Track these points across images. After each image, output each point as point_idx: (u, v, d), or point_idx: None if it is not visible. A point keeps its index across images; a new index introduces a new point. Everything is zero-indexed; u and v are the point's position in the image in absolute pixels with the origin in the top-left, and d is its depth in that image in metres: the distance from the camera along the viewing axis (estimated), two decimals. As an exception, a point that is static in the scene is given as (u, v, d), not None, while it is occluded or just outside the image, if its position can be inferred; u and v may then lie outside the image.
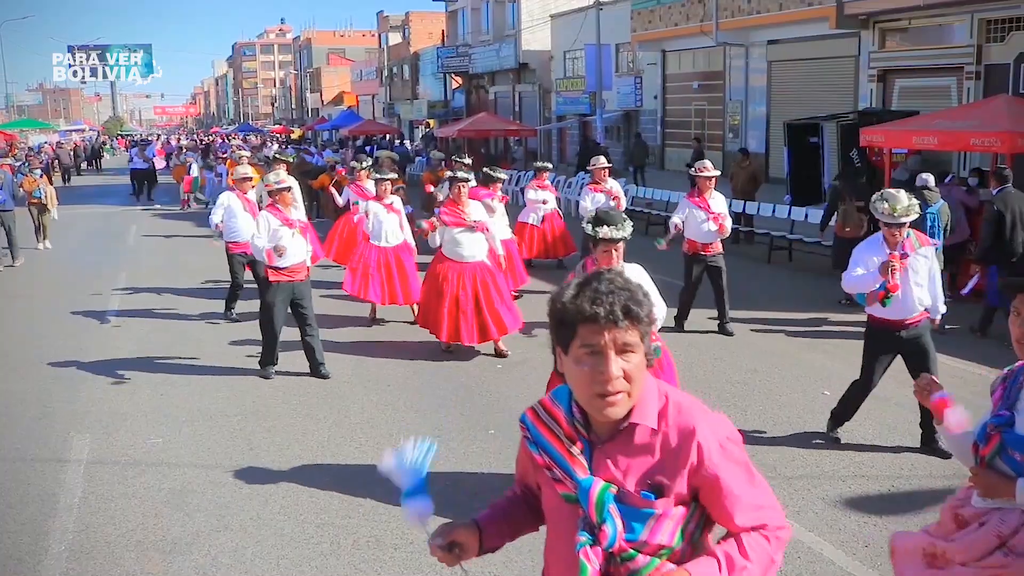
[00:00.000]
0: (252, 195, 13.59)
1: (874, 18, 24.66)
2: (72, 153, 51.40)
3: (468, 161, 16.68)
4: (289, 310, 10.27)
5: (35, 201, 21.87)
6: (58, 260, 20.67)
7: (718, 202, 12.07)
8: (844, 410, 8.15)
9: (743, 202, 20.37)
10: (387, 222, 12.71)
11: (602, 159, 15.78)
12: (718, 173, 12.50)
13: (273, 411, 9.40)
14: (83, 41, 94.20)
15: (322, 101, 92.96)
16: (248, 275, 13.25)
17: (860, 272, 7.49)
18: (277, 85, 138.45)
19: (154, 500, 7.30)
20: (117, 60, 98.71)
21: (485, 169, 14.40)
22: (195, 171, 31.40)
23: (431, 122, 56.06)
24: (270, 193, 10.44)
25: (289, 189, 10.46)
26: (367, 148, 44.29)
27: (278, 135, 72.29)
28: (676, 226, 12.24)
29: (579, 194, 19.22)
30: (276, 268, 10.05)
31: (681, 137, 34.89)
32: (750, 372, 10.46)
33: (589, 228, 6.42)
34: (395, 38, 70.37)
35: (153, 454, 8.34)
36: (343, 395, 9.89)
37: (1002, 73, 21.37)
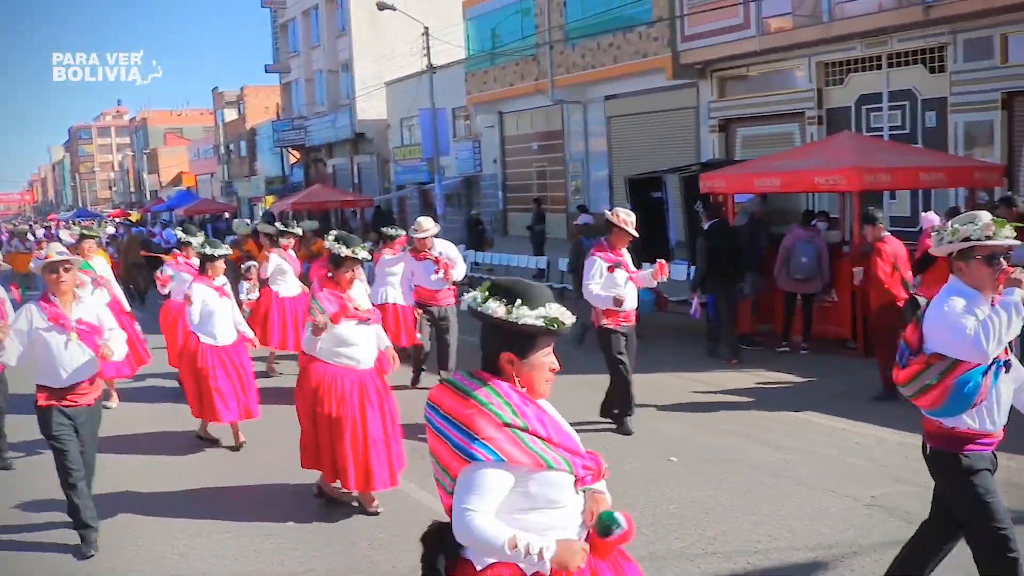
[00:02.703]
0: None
1: (711, 66, 23.82)
2: None
3: (300, 231, 14.86)
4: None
5: None
6: None
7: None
8: None
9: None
10: (218, 311, 9.72)
11: (426, 222, 12.00)
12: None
13: None
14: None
15: (160, 183, 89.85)
16: None
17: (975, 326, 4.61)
18: (116, 168, 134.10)
19: None
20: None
21: (383, 229, 13.84)
22: None
23: (268, 199, 53.89)
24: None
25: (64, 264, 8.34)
26: (205, 228, 42.30)
27: (115, 219, 69.23)
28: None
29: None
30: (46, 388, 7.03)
31: (523, 201, 33.50)
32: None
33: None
34: (231, 114, 68.27)
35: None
36: None
37: (844, 116, 20.77)
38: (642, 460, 8.51)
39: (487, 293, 3.36)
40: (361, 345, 7.61)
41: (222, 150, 69.19)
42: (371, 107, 44.21)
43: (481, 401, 3.19)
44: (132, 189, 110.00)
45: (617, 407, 9.54)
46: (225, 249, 10.28)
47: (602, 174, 29.41)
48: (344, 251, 7.65)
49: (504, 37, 32.10)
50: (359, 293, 7.89)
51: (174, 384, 12.47)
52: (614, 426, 9.53)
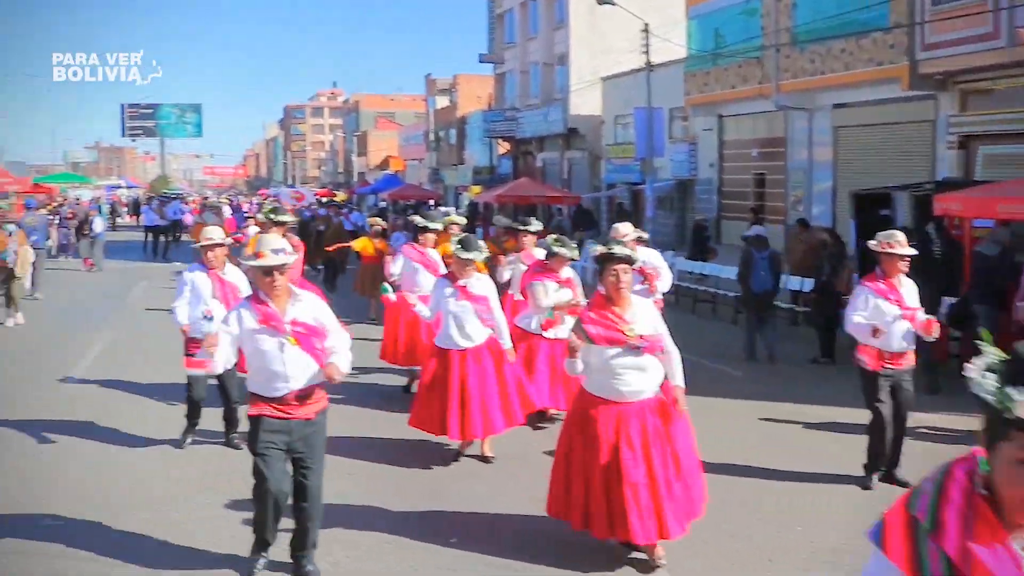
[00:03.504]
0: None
1: (953, 78, 22.44)
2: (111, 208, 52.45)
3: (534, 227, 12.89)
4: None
5: (1, 264, 17.91)
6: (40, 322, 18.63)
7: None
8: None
9: (800, 279, 18.30)
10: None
11: (624, 227, 10.97)
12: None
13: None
14: (136, 100, 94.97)
15: (368, 165, 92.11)
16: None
17: None
18: (326, 148, 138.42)
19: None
20: (168, 118, 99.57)
21: (552, 237, 11.15)
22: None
23: (474, 188, 54.37)
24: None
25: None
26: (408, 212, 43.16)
27: (321, 198, 71.36)
28: None
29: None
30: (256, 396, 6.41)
31: (739, 209, 32.61)
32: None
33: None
34: (443, 102, 69.26)
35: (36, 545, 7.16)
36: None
37: (1106, 139, 19.17)
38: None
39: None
40: (630, 377, 6.91)
41: (431, 137, 70.23)
42: (585, 102, 43.86)
43: None
44: (340, 170, 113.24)
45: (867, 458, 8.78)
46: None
47: (825, 186, 28.28)
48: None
49: (728, 37, 31.26)
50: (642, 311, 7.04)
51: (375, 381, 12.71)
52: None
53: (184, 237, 36.12)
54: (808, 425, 11.01)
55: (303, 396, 6.27)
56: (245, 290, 9.13)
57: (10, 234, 18.34)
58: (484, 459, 9.20)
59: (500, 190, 40.47)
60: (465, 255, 9.01)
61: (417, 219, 12.96)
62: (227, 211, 40.94)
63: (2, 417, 10.94)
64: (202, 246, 9.50)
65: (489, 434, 9.12)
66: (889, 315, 8.36)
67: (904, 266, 8.45)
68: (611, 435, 6.48)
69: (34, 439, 10.03)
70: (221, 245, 9.54)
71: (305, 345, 6.25)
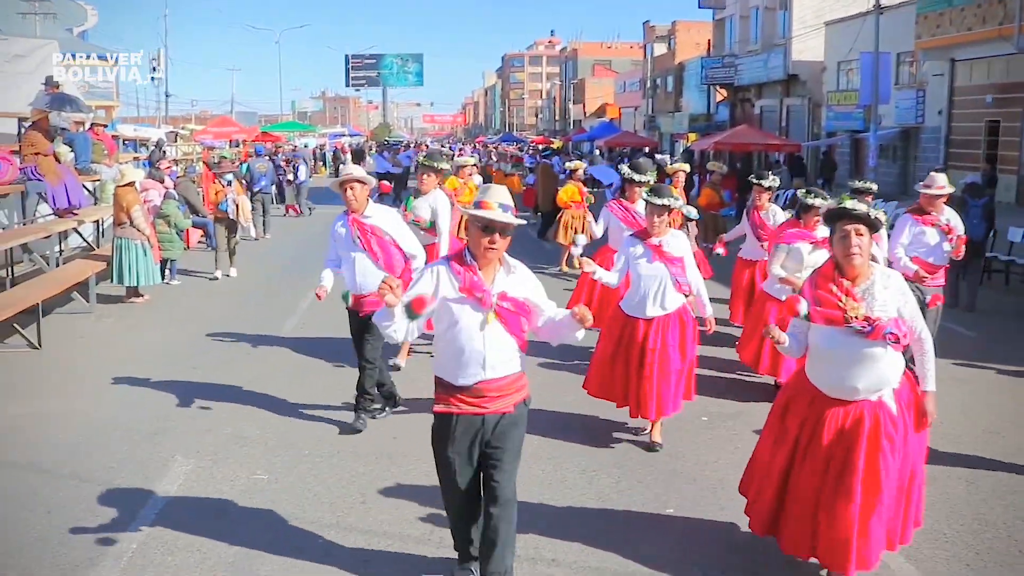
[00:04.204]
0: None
1: None
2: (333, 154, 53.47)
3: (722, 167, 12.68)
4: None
5: (222, 215, 17.39)
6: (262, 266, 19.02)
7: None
8: None
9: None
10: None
11: (941, 178, 10.03)
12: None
13: (401, 457, 7.67)
14: (358, 50, 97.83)
15: (584, 113, 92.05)
16: None
17: None
18: (543, 96, 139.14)
19: (218, 558, 5.87)
20: (391, 68, 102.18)
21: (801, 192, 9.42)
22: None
23: (691, 136, 53.56)
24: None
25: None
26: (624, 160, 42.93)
27: (537, 145, 71.81)
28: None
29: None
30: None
31: (968, 159, 30.88)
32: None
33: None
34: (660, 49, 68.33)
35: (249, 494, 6.92)
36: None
37: None
38: None
39: None
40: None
41: (648, 84, 69.48)
42: (807, 48, 42.22)
43: None
44: (557, 118, 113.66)
45: None
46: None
47: (1068, 134, 26.47)
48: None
49: (967, -24, 29.48)
50: None
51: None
52: None
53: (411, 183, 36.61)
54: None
55: (502, 386, 5.18)
56: (396, 233, 8.25)
57: (228, 183, 17.64)
58: (650, 447, 7.99)
59: (717, 137, 39.74)
60: (659, 201, 7.75)
61: (625, 170, 11.51)
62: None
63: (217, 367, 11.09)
64: (340, 182, 8.13)
65: (662, 416, 7.97)
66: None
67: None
68: (820, 435, 5.36)
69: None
70: (360, 182, 8.10)
71: (511, 326, 5.15)
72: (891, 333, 5.11)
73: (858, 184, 11.30)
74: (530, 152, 50.24)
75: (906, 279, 8.46)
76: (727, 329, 11.23)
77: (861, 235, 5.15)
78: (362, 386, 8.37)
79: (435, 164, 10.48)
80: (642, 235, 8.00)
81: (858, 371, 5.21)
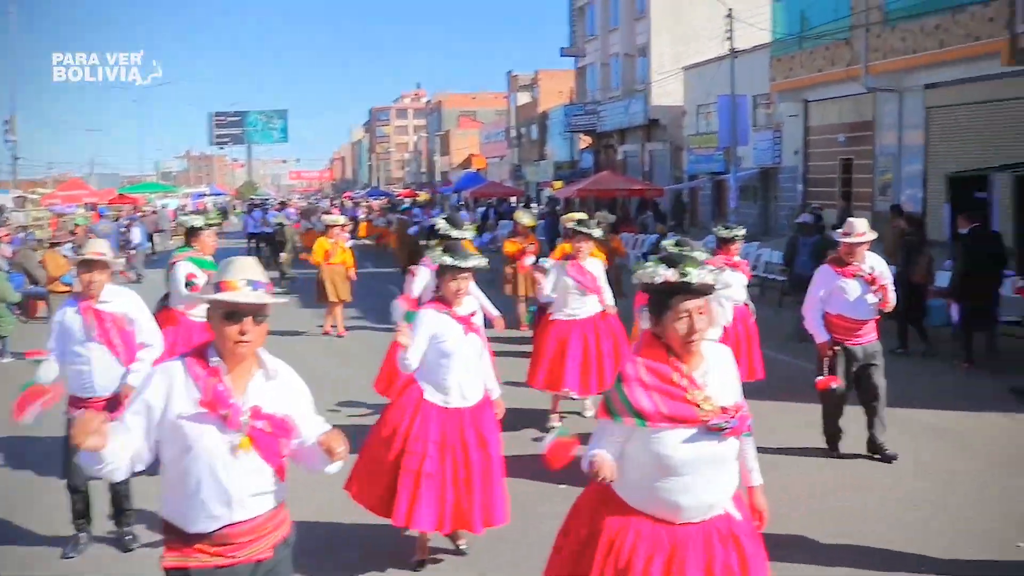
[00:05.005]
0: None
1: (1059, 51, 21.21)
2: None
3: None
4: None
5: (64, 289, 15.76)
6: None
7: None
8: None
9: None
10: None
11: (861, 224, 9.02)
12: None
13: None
14: (223, 108, 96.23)
15: (451, 164, 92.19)
16: None
17: None
18: (410, 149, 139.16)
19: None
20: (255, 125, 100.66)
21: (717, 228, 10.76)
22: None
23: (556, 184, 53.83)
24: None
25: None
26: (487, 211, 43.13)
27: (404, 199, 71.64)
28: None
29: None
30: None
31: (824, 196, 31.45)
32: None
33: None
34: (524, 98, 68.95)
35: None
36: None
37: None
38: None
39: None
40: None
41: (513, 133, 69.90)
42: (667, 92, 43.00)
43: None
44: (423, 170, 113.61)
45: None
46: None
47: (915, 168, 27.01)
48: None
49: (814, 19, 30.03)
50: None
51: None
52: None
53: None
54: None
55: (255, 527, 3.93)
56: (140, 322, 7.07)
57: (67, 256, 16.53)
58: None
59: (581, 184, 39.94)
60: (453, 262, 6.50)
61: (440, 223, 10.14)
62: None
63: None
64: (79, 261, 6.92)
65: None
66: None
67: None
68: None
69: None
70: (99, 264, 6.83)
71: (267, 451, 3.90)
72: (749, 424, 4.10)
73: (724, 232, 10.62)
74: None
75: (823, 346, 8.40)
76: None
77: (703, 313, 3.97)
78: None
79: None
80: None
81: (713, 482, 3.99)
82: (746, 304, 10.85)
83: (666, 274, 3.90)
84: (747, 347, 10.64)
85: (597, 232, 10.50)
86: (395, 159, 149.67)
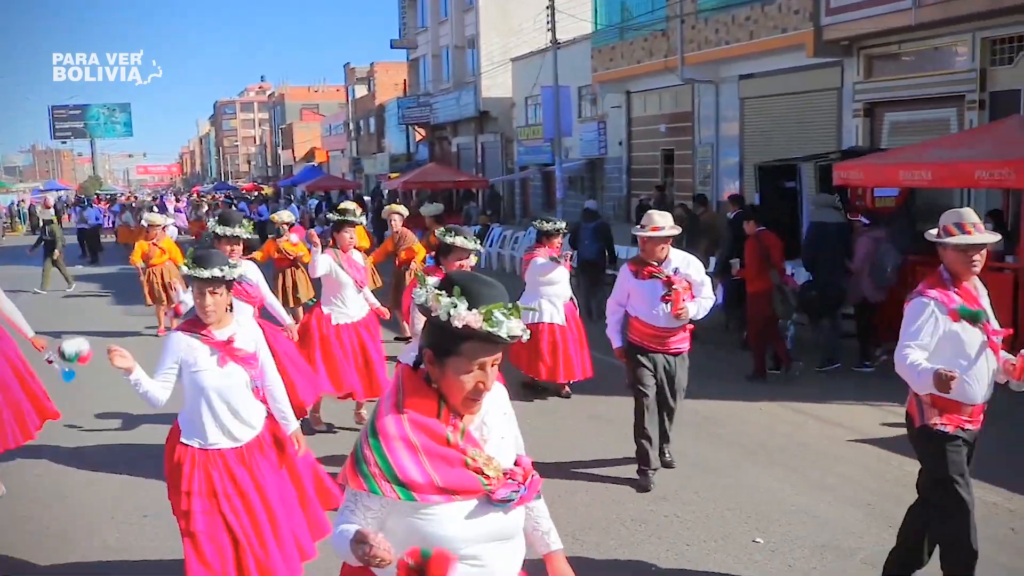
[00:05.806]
0: None
1: (858, 43, 21.24)
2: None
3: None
4: None
5: None
6: None
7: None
8: None
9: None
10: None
11: (661, 218, 7.70)
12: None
13: None
14: (63, 101, 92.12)
15: (294, 158, 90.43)
16: None
17: None
18: (256, 142, 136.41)
19: None
20: (97, 119, 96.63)
21: (537, 221, 10.73)
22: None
23: (393, 176, 52.92)
24: None
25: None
26: (320, 204, 42.26)
27: (247, 192, 70.04)
28: None
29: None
30: None
31: (649, 187, 31.24)
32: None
33: None
34: (362, 90, 67.67)
35: None
36: None
37: (1011, 100, 17.98)
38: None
39: None
40: None
41: (351, 127, 68.72)
42: (496, 84, 42.48)
43: None
44: (269, 163, 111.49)
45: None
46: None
47: (733, 160, 27.02)
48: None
49: (634, 10, 29.78)
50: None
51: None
52: None
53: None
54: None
55: None
56: None
57: None
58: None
59: (406, 177, 39.24)
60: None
61: (211, 224, 9.04)
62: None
63: None
64: None
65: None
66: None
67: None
68: None
69: None
70: None
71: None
72: (535, 486, 3.16)
73: (546, 226, 10.41)
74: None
75: (617, 351, 7.85)
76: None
77: (495, 365, 3.01)
78: None
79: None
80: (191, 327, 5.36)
81: (498, 560, 3.07)
82: (572, 300, 10.85)
83: (467, 318, 2.85)
84: (578, 347, 10.61)
85: (362, 220, 10.20)
86: (242, 153, 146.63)
